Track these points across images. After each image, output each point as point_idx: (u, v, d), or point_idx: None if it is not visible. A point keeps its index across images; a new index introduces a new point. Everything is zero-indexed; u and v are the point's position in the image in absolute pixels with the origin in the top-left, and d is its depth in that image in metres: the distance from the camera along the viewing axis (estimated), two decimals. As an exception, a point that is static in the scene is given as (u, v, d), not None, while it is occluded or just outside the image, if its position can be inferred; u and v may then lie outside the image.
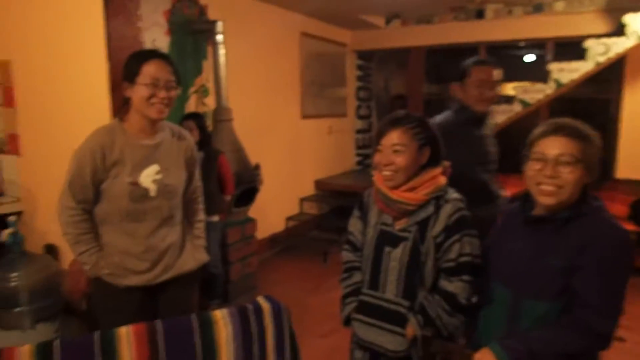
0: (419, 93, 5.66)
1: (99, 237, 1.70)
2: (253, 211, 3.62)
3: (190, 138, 1.88)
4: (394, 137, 1.48)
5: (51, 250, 2.18)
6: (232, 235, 3.39)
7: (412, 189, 1.49)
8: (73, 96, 2.10)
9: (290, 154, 4.81)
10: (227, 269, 3.37)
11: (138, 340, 1.42)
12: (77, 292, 2.08)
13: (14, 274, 1.93)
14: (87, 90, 2.04)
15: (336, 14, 4.91)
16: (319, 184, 5.32)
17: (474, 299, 1.47)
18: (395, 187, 1.50)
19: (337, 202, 5.29)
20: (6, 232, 2.00)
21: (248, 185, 3.48)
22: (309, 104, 5.12)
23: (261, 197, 3.64)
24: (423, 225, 1.49)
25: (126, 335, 1.41)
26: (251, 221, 3.57)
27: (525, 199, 1.41)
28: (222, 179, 3.07)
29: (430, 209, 1.49)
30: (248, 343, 1.52)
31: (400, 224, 1.53)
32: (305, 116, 5.06)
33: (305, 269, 4.28)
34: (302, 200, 5.05)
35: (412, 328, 1.46)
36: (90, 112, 1.99)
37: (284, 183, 4.69)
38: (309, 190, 5.23)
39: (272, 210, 4.44)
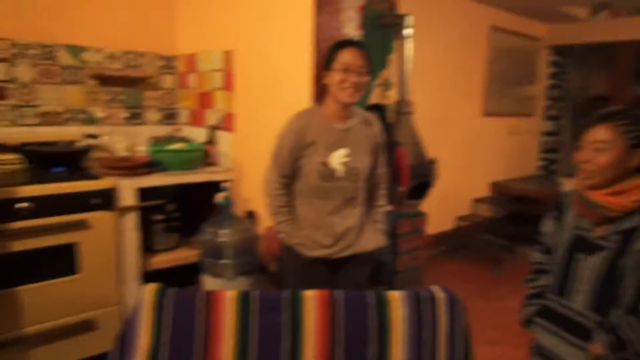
0: (626, 94, 4.94)
1: (294, 210, 1.90)
2: (424, 206, 3.61)
3: (378, 125, 1.97)
4: (598, 133, 1.34)
5: (251, 215, 2.51)
6: (403, 227, 3.43)
7: (617, 193, 1.34)
8: (281, 82, 2.37)
9: (467, 151, 4.65)
10: (395, 259, 3.43)
11: (320, 304, 1.56)
12: (269, 255, 2.36)
13: (223, 231, 2.28)
14: (293, 77, 2.27)
15: (532, 6, 4.55)
16: (495, 186, 5.04)
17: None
18: (594, 188, 1.36)
19: (514, 208, 4.94)
20: (221, 195, 2.37)
21: (422, 179, 3.48)
22: (492, 101, 4.87)
23: (433, 193, 3.61)
24: (627, 236, 1.33)
25: (311, 298, 1.56)
26: (422, 215, 3.57)
27: None
28: (398, 170, 3.12)
29: (637, 218, 1.32)
30: (419, 328, 1.55)
31: (599, 231, 1.38)
32: (487, 114, 4.83)
33: (473, 272, 4.12)
34: (476, 201, 4.85)
35: (599, 347, 1.33)
36: (294, 97, 2.23)
37: (458, 181, 4.56)
38: (483, 191, 4.99)
39: (443, 207, 4.36)
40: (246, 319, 1.53)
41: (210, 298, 1.55)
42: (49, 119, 2.80)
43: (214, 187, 2.63)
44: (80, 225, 2.20)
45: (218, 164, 2.82)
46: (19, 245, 2.10)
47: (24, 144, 2.46)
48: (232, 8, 2.71)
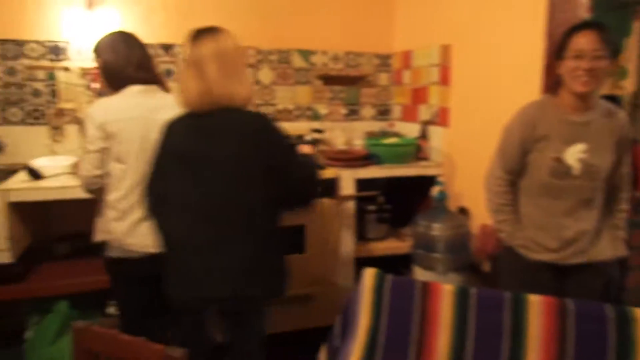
0: None
1: (518, 209, 1.79)
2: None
3: (624, 117, 1.72)
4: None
5: (463, 212, 2.46)
6: (637, 238, 2.93)
7: None
8: (504, 75, 2.26)
9: None
10: (624, 274, 2.96)
11: (547, 312, 1.45)
12: (483, 254, 2.28)
13: (436, 225, 2.29)
14: (519, 69, 2.14)
15: None
16: None
17: None
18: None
19: None
20: (437, 189, 2.39)
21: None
22: None
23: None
24: None
25: (536, 304, 1.46)
26: (668, 227, 2.99)
27: None
28: (635, 171, 2.67)
29: None
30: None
31: None
32: None
33: None
34: None
35: None
36: (520, 90, 2.09)
37: None
38: None
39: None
40: (464, 314, 1.51)
41: (428, 288, 1.58)
42: (282, 115, 3.21)
43: (424, 181, 2.66)
44: (311, 209, 2.46)
45: (429, 159, 2.84)
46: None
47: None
48: (450, 1, 2.68)
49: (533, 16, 2.05)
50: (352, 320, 1.64)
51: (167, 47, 2.92)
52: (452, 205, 2.52)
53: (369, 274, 1.67)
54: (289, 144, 1.60)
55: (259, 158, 1.50)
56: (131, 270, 1.80)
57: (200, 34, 1.53)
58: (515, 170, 1.75)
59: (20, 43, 2.69)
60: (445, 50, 2.70)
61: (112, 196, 1.76)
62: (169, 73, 2.90)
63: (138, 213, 1.74)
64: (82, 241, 2.53)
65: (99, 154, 1.71)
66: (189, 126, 1.56)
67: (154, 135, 1.67)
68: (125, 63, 1.77)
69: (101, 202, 1.82)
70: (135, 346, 1.14)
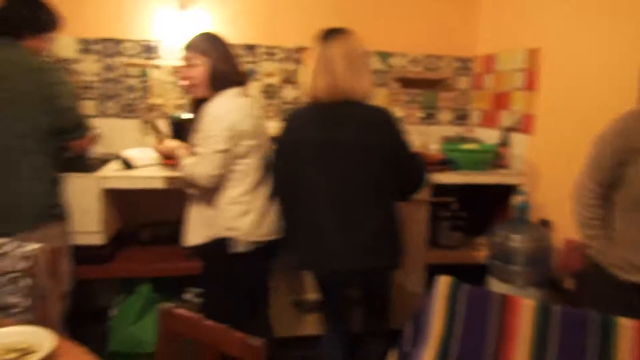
0: None
1: (610, 224, 1.67)
2: None
3: None
4: None
5: (545, 224, 2.34)
6: None
7: None
8: (598, 81, 2.12)
9: None
10: None
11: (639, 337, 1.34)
12: (566, 270, 2.16)
13: (516, 236, 2.19)
14: (615, 75, 2.00)
15: None
16: None
17: None
18: None
19: None
20: (519, 198, 2.29)
21: None
22: None
23: None
24: None
25: (628, 328, 1.36)
26: None
27: None
28: None
29: None
30: None
31: None
32: None
33: None
34: None
35: None
36: (615, 98, 1.95)
37: None
38: None
39: None
40: (545, 332, 1.44)
41: (506, 301, 1.52)
42: (358, 117, 3.21)
43: (502, 190, 2.55)
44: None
45: (509, 167, 2.72)
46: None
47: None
48: (539, 2, 2.55)
49: (631, 17, 1.90)
50: (424, 327, 1.61)
51: (250, 48, 3.02)
52: (533, 216, 2.40)
53: (444, 282, 1.64)
54: (405, 136, 1.81)
55: (382, 145, 1.73)
56: (255, 260, 1.94)
57: (331, 35, 1.76)
58: (607, 182, 1.63)
59: (118, 42, 2.90)
60: (533, 54, 2.58)
61: (236, 192, 1.86)
62: (251, 73, 3.02)
63: (263, 204, 1.89)
64: (164, 229, 2.69)
65: (224, 154, 1.80)
66: (317, 116, 1.77)
67: (264, 130, 1.93)
68: (232, 65, 1.89)
69: (214, 199, 1.88)
70: (217, 332, 1.19)
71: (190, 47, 1.89)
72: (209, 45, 1.87)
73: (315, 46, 1.77)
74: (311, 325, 2.59)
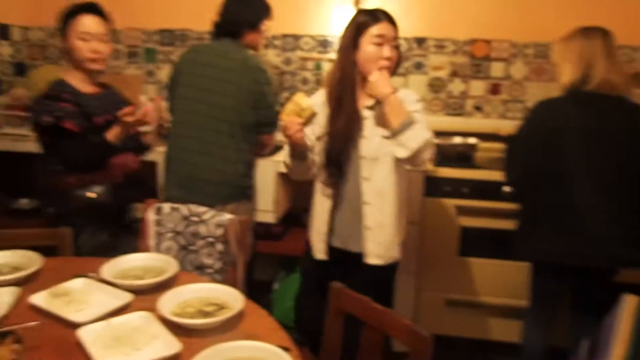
0: None
1: None
2: None
3: None
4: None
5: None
6: None
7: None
8: None
9: None
10: None
11: None
12: None
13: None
14: None
15: None
16: None
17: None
18: None
19: None
20: None
21: None
22: None
23: None
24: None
25: None
26: None
27: None
28: None
29: None
30: None
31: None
32: None
33: None
34: None
35: None
36: None
37: None
38: None
39: None
40: None
41: None
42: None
43: None
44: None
45: None
46: (493, 223, 2.42)
47: (509, 136, 2.71)
48: None
49: None
50: (605, 347, 1.47)
51: (419, 41, 3.01)
52: None
53: (631, 302, 1.48)
54: None
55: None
56: None
57: (591, 31, 1.88)
58: None
59: (297, 37, 3.13)
60: None
61: None
62: (419, 66, 3.01)
63: None
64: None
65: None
66: (580, 106, 1.84)
67: None
68: None
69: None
70: (385, 316, 1.23)
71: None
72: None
73: (574, 40, 1.89)
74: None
